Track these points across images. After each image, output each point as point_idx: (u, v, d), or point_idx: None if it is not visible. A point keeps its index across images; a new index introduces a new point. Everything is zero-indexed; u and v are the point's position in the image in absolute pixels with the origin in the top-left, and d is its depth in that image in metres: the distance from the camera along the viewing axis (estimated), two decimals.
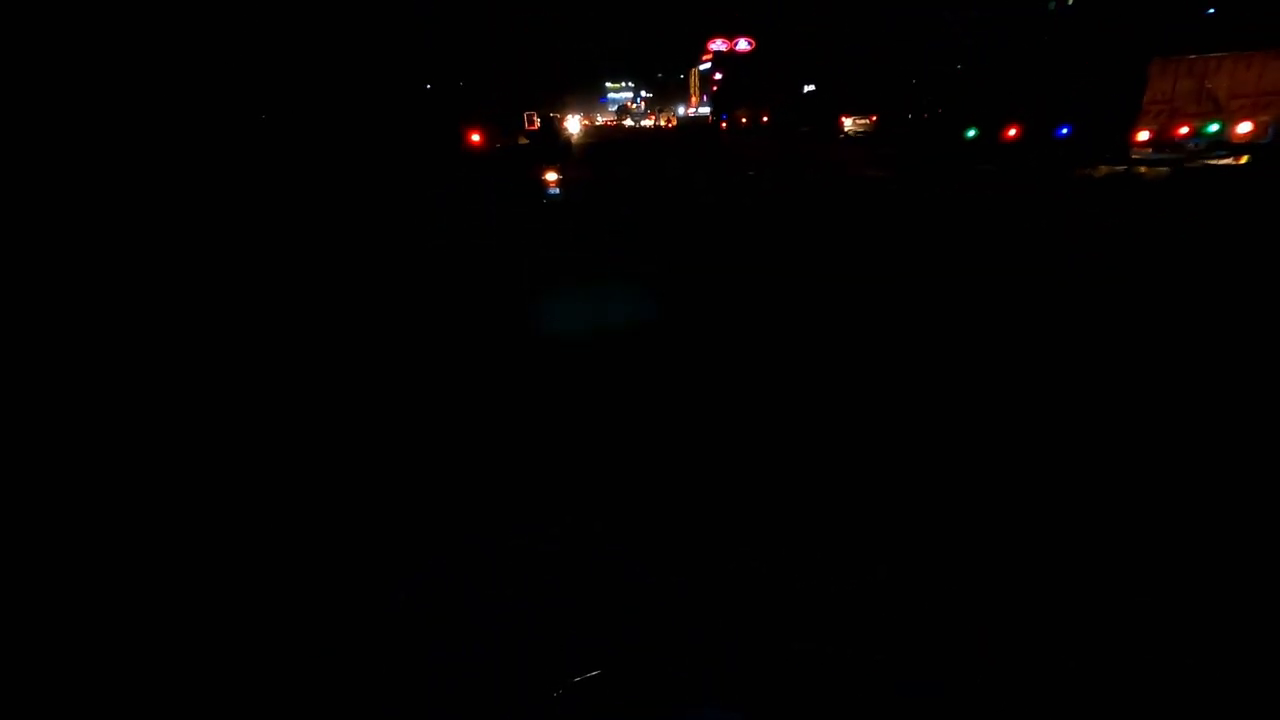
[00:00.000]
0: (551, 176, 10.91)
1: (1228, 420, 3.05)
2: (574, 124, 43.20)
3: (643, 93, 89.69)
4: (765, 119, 37.36)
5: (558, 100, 47.63)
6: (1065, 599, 1.87)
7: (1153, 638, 1.70)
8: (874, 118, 24.32)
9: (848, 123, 25.25)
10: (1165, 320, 4.27)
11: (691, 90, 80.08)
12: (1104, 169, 11.91)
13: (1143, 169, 11.47)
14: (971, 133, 14.30)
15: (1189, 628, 1.74)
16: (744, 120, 40.04)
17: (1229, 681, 1.57)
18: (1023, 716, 1.54)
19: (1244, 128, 11.05)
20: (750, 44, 63.32)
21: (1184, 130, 11.15)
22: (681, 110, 75.57)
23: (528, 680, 1.44)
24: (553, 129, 21.46)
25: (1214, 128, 11.10)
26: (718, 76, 65.32)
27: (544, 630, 1.78)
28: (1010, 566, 2.05)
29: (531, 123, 25.88)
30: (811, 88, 38.52)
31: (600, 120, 73.77)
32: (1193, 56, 10.87)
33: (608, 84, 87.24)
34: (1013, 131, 13.43)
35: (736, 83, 55.80)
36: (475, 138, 14.81)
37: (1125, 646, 1.67)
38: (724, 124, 44.10)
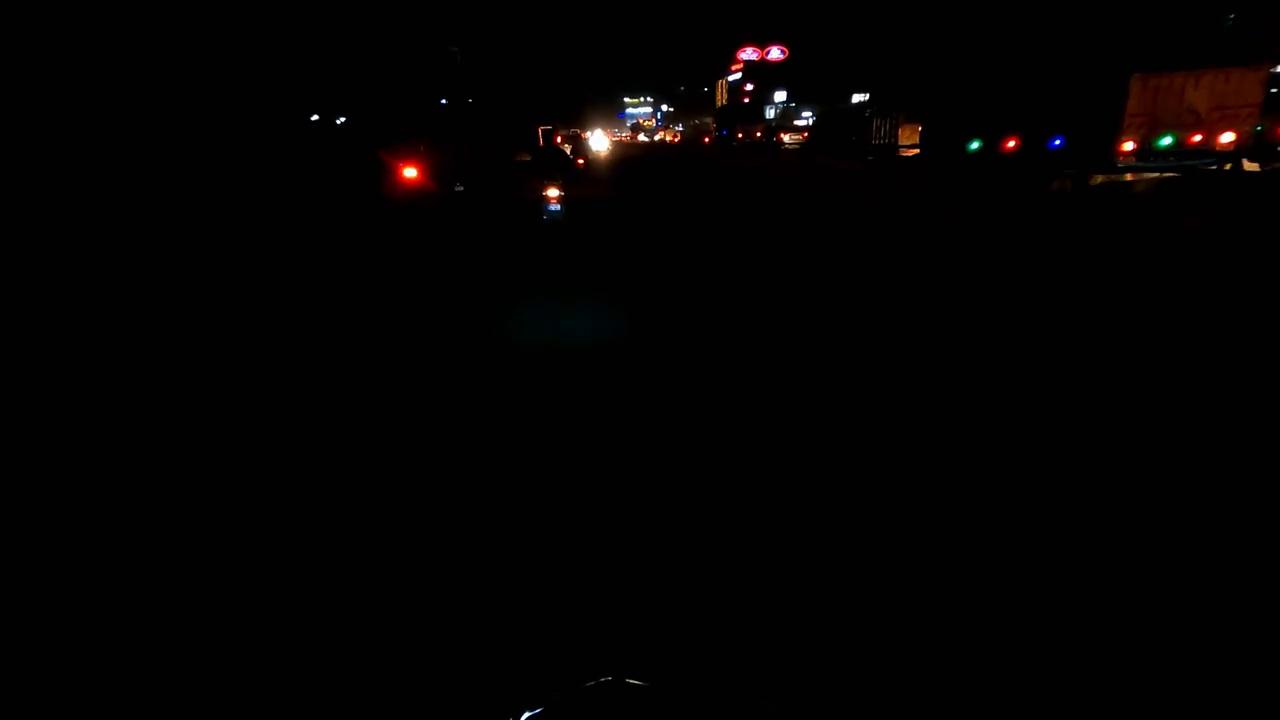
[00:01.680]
0: (552, 193, 10.93)
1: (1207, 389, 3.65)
2: (600, 140, 46.81)
3: (664, 107, 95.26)
4: (759, 135, 48.30)
5: (575, 115, 51.95)
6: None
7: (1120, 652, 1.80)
8: (805, 134, 39.63)
9: (786, 138, 41.21)
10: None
11: (719, 102, 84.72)
12: (1099, 177, 14.02)
13: (1129, 176, 13.55)
14: (975, 145, 16.67)
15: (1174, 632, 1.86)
16: (740, 135, 50.17)
17: (1228, 683, 1.69)
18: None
19: (1226, 137, 13.10)
20: (783, 52, 67.37)
21: (1166, 141, 13.24)
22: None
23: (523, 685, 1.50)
24: (554, 144, 20.59)
25: (1196, 138, 13.19)
26: (749, 87, 69.30)
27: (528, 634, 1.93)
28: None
29: (547, 139, 28.60)
30: (862, 97, 43.42)
31: (617, 135, 78.94)
32: (1172, 72, 13.06)
33: (626, 99, 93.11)
34: (1011, 143, 15.71)
35: (755, 98, 63.40)
36: (410, 173, 11.36)
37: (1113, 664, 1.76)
38: (706, 139, 58.09)
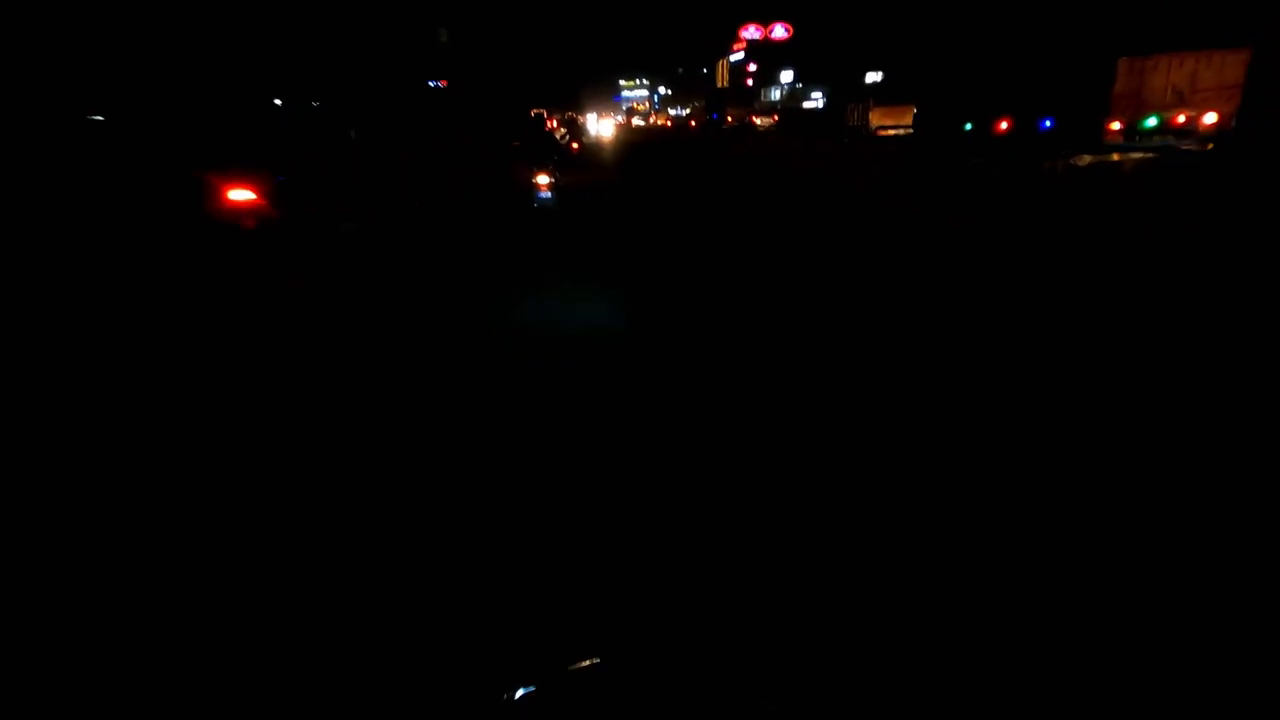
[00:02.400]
0: (543, 180, 11.13)
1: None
2: (603, 125, 48.40)
3: (661, 89, 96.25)
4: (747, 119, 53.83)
5: (571, 99, 53.16)
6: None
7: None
8: (775, 117, 47.51)
9: (758, 120, 48.74)
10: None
11: (720, 84, 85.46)
12: (1087, 158, 15.03)
13: (1115, 155, 14.54)
14: (968, 126, 17.70)
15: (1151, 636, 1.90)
16: (730, 119, 55.56)
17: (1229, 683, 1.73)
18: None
19: (1209, 118, 14.10)
20: (788, 30, 67.94)
21: (1151, 122, 14.26)
22: None
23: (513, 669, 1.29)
24: (545, 129, 19.77)
25: (1181, 119, 14.20)
26: (752, 68, 69.98)
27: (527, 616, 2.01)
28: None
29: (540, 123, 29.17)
30: (877, 77, 44.18)
31: (613, 119, 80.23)
32: (1157, 55, 14.06)
33: (621, 81, 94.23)
34: (1004, 125, 16.72)
35: (759, 79, 65.80)
36: (239, 195, 7.06)
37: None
38: (692, 124, 66.26)
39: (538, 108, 28.72)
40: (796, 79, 63.46)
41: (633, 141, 37.72)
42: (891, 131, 25.65)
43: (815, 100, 52.50)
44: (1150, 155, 14.31)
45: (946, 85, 19.27)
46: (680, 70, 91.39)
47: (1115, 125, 14.28)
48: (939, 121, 19.13)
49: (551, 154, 11.79)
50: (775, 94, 65.12)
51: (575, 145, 26.52)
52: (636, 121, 79.42)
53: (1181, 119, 14.04)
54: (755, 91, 61.77)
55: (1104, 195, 11.25)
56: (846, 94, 36.80)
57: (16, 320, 5.45)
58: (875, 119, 27.88)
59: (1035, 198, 11.50)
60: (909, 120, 22.07)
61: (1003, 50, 17.00)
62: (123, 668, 1.94)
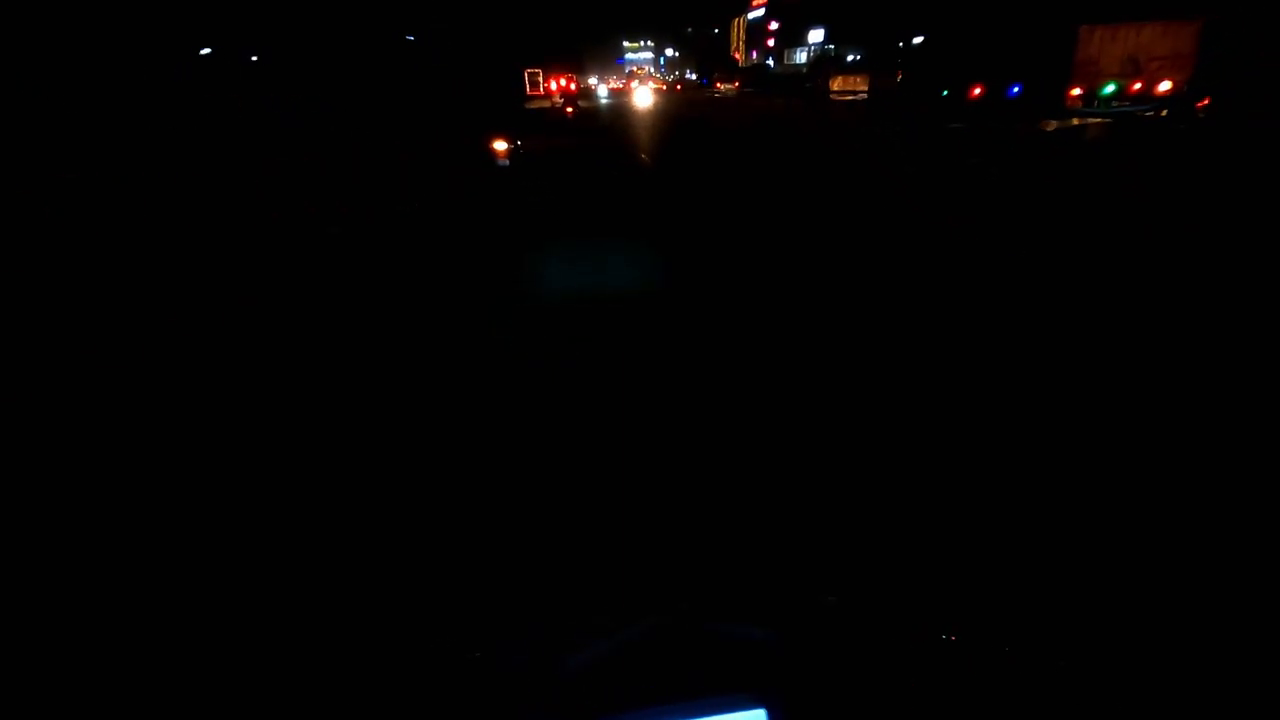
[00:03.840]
0: (500, 146, 11.24)
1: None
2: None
3: (668, 51, 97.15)
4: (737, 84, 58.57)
5: (574, 61, 54.25)
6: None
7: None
8: (736, 83, 56.52)
9: (721, 86, 57.84)
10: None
11: (734, 45, 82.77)
12: (1052, 123, 16.83)
13: (1075, 120, 16.32)
14: (945, 92, 19.50)
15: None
16: (719, 84, 61.31)
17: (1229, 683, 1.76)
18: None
19: (1163, 85, 15.85)
20: None
21: (1109, 89, 16.02)
22: None
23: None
24: (512, 90, 19.47)
25: (1137, 86, 15.96)
26: (773, 26, 70.02)
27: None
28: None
29: (534, 85, 30.56)
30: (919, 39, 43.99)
31: (614, 84, 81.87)
32: (1117, 24, 15.76)
33: (625, 43, 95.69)
34: (977, 91, 18.49)
35: (781, 39, 67.59)
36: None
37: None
38: (679, 87, 73.76)
39: (530, 67, 29.75)
40: (827, 39, 59.24)
41: (633, 107, 39.04)
42: (849, 97, 29.82)
43: (850, 63, 50.96)
44: (1109, 120, 16.16)
45: (928, 53, 21.09)
46: (690, 30, 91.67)
47: (1076, 91, 16.06)
48: (920, 87, 20.96)
49: (513, 118, 12.63)
50: (800, 56, 62.67)
51: (569, 110, 27.88)
52: (634, 84, 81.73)
53: (1137, 86, 15.80)
54: (778, 52, 63.23)
55: (1074, 160, 12.65)
56: (884, 56, 37.51)
57: None
58: (835, 84, 33.68)
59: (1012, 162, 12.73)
60: (864, 86, 25.27)
61: (977, 17, 18.73)
62: (118, 657, 2.01)
